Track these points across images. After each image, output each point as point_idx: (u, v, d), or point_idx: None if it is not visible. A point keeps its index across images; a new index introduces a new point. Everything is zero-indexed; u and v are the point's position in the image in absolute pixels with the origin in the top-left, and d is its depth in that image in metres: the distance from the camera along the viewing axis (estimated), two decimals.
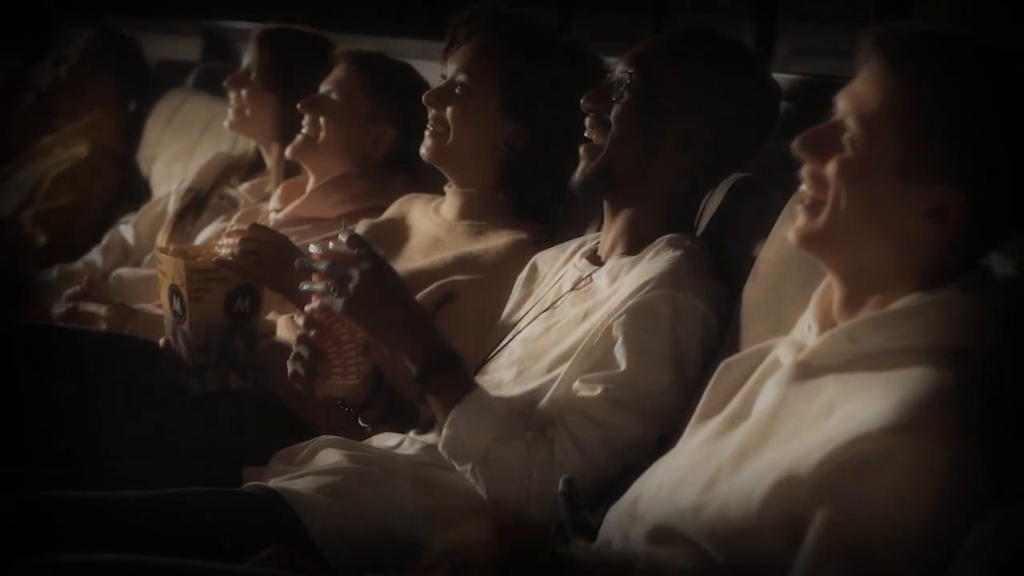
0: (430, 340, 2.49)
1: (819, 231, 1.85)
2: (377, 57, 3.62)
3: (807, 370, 1.85)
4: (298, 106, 3.55)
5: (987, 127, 1.77)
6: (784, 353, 1.93)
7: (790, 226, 1.90)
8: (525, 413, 2.46)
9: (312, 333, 2.49)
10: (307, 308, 2.51)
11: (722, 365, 2.04)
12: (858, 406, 1.73)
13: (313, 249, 2.50)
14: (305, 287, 2.50)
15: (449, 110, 3.03)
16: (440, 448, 2.44)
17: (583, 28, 4.77)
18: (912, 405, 1.68)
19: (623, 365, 2.42)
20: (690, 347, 2.45)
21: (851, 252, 1.85)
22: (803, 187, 1.89)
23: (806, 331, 1.93)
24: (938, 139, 1.77)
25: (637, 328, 2.44)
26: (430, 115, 3.07)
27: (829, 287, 1.93)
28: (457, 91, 3.03)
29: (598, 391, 2.41)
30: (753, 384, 1.95)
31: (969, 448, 1.64)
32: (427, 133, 3.08)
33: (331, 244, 2.49)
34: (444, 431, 2.43)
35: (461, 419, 2.42)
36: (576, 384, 2.44)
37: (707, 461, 1.88)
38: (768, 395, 1.88)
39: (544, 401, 2.47)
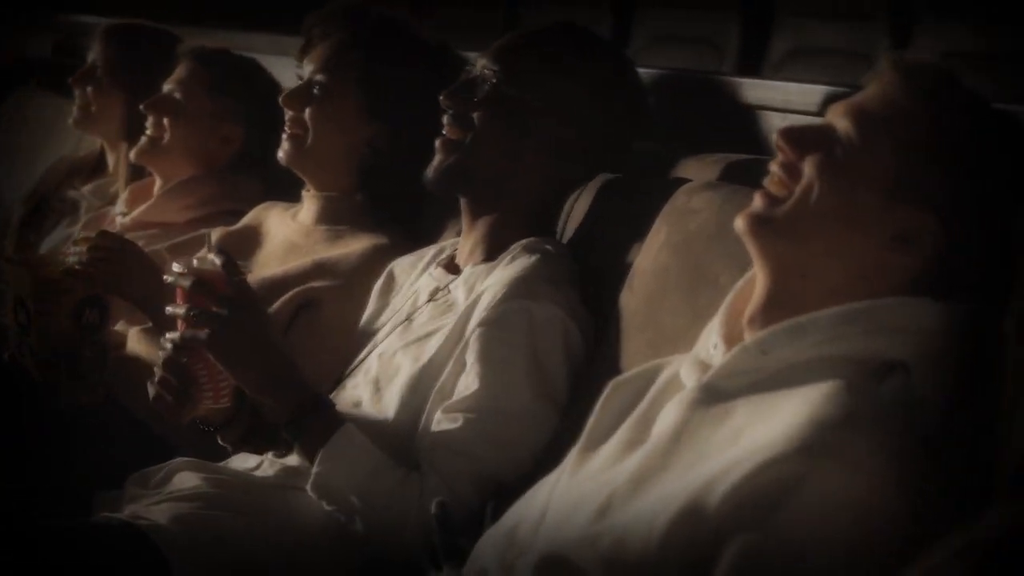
0: (296, 384, 2.34)
1: (776, 219, 1.74)
2: (221, 54, 3.51)
3: (713, 393, 1.73)
4: (140, 107, 3.43)
5: (980, 172, 1.72)
6: (687, 373, 1.81)
7: (739, 216, 1.78)
8: (395, 447, 2.35)
9: (182, 358, 2.34)
10: (177, 333, 2.33)
11: (610, 386, 1.92)
12: (767, 428, 1.62)
13: (176, 268, 2.34)
14: (170, 310, 2.33)
15: (308, 111, 2.93)
16: (309, 489, 2.32)
17: (431, 18, 4.70)
18: (825, 425, 1.57)
19: (477, 384, 2.32)
20: (550, 358, 2.36)
21: (801, 254, 1.74)
22: (767, 179, 1.79)
23: (711, 350, 1.82)
24: (931, 168, 1.71)
25: (491, 342, 2.34)
26: (287, 117, 2.96)
27: (739, 297, 1.83)
28: (315, 91, 2.93)
29: (459, 422, 2.31)
30: (648, 407, 1.84)
31: (891, 472, 1.55)
32: (284, 136, 2.97)
33: (195, 261, 2.33)
34: (313, 472, 2.30)
35: (328, 460, 2.29)
36: (438, 415, 2.34)
37: (600, 488, 1.76)
38: (668, 418, 1.76)
39: (419, 434, 2.37)
